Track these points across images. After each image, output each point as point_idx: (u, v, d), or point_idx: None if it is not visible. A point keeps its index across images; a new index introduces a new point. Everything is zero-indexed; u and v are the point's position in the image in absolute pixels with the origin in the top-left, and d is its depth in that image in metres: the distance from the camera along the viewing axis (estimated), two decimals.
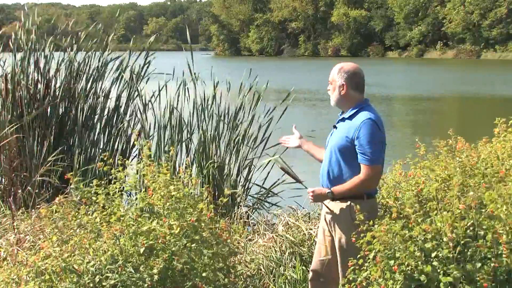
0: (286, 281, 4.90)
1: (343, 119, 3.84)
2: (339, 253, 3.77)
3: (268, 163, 7.21)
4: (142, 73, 8.10)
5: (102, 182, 3.99)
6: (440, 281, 3.10)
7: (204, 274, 3.57)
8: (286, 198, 7.20)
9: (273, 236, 5.45)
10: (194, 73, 7.61)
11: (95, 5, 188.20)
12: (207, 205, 3.92)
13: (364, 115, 3.71)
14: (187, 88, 7.75)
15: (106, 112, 8.03)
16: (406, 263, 3.17)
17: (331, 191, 3.74)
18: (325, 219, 3.89)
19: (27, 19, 7.93)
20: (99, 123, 7.93)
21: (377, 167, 3.69)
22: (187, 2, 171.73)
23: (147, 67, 8.15)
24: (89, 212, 3.82)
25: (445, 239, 3.18)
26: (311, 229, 5.48)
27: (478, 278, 3.08)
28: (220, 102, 7.58)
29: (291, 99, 7.84)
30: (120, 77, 8.06)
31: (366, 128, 3.66)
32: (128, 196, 6.14)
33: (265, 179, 7.53)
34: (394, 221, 3.32)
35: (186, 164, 6.99)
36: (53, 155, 6.96)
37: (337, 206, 3.78)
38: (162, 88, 7.82)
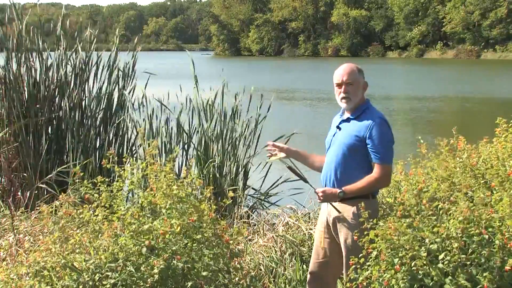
0: (286, 281, 4.89)
1: (347, 120, 3.81)
2: (345, 253, 3.72)
3: (272, 163, 7.20)
4: (138, 72, 8.10)
5: (105, 180, 3.98)
6: (445, 283, 3.10)
7: (204, 273, 3.56)
8: (286, 198, 7.19)
9: (273, 236, 5.44)
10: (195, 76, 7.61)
11: (95, 5, 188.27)
12: (210, 205, 3.89)
13: (373, 114, 3.71)
14: (185, 87, 7.78)
15: (103, 112, 8.00)
16: (411, 263, 3.16)
17: (342, 190, 3.69)
18: (326, 220, 3.84)
19: (23, 19, 7.90)
20: (96, 123, 7.90)
21: (390, 166, 3.70)
22: (187, 2, 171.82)
23: (133, 66, 8.12)
24: (91, 211, 3.82)
25: (453, 243, 3.17)
26: (311, 229, 5.47)
27: (483, 282, 3.07)
28: (220, 102, 7.57)
29: (271, 101, 7.78)
30: (118, 76, 8.04)
31: (378, 127, 3.65)
32: (129, 195, 6.11)
33: (264, 179, 7.52)
34: (399, 220, 3.32)
35: (189, 165, 6.97)
36: (59, 168, 6.96)
37: (344, 207, 3.73)
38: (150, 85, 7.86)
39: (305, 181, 3.92)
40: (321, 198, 3.73)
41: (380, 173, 3.65)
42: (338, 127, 3.85)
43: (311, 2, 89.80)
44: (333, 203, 3.77)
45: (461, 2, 72.72)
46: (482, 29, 70.89)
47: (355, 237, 3.48)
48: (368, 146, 3.66)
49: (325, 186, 3.81)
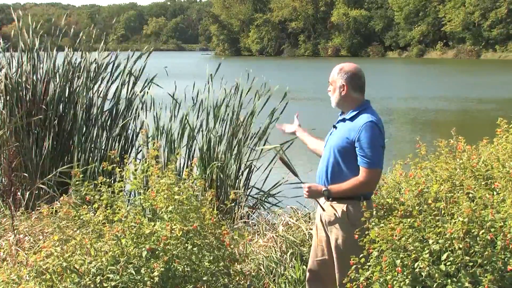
0: (286, 281, 4.89)
1: (343, 120, 3.82)
2: (335, 254, 3.74)
3: (273, 163, 7.22)
4: (141, 73, 8.10)
5: (106, 180, 3.97)
6: (447, 283, 3.10)
7: (204, 278, 3.56)
8: (286, 198, 7.19)
9: (273, 236, 5.45)
10: (211, 75, 7.64)
11: (95, 5, 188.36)
12: (213, 209, 3.89)
13: (365, 117, 3.69)
14: (192, 88, 7.79)
15: (105, 113, 8.00)
16: (414, 265, 3.16)
17: (327, 189, 3.72)
18: (320, 219, 3.86)
19: (24, 19, 7.89)
20: (98, 124, 7.90)
21: (376, 171, 3.67)
22: (187, 2, 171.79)
23: (143, 67, 8.14)
24: (91, 211, 3.82)
25: (455, 244, 3.17)
26: (311, 229, 5.47)
27: (484, 283, 3.07)
28: (227, 103, 7.56)
29: (288, 100, 7.80)
30: (120, 77, 8.04)
31: (367, 131, 3.63)
32: (130, 196, 6.11)
33: (265, 179, 7.52)
34: (400, 221, 3.31)
35: (192, 166, 6.97)
36: (59, 169, 6.95)
37: (333, 207, 3.74)
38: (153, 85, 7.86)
39: (295, 174, 3.95)
40: (307, 193, 3.78)
41: (365, 177, 3.64)
42: (335, 126, 3.88)
43: (311, 2, 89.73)
44: (322, 203, 3.79)
45: (461, 2, 72.68)
46: (482, 29, 70.85)
47: (355, 235, 3.48)
48: (356, 149, 3.66)
49: (318, 183, 3.84)
